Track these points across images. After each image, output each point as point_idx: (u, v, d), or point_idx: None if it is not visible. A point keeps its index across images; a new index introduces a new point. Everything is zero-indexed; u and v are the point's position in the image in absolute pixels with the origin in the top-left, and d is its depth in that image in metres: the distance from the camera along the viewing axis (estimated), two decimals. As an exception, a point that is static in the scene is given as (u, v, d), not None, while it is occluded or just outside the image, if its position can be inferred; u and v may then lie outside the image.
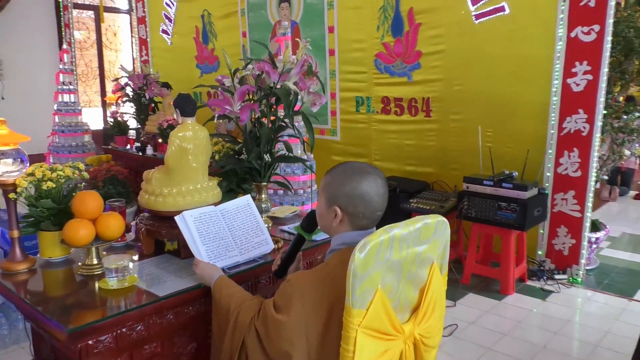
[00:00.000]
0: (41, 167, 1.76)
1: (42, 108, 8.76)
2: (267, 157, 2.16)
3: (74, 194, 1.82)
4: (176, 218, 1.79)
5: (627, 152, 4.16)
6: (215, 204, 1.97)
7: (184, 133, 1.90)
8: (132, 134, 4.78)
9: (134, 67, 9.84)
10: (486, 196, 3.73)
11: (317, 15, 5.18)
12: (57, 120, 5.34)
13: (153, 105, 4.85)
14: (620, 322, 3.32)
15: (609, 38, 3.59)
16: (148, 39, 7.30)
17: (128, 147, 4.69)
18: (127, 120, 4.75)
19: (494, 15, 4.06)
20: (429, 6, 4.41)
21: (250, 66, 2.14)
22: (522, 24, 3.95)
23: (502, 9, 4.01)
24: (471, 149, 4.20)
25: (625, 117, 4.09)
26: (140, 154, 4.48)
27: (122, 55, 9.93)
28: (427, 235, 1.41)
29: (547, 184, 3.94)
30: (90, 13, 9.38)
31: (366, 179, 1.49)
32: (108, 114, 4.89)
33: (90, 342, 1.48)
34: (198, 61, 6.65)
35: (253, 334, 1.50)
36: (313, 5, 5.20)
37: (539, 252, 4.07)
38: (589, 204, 3.86)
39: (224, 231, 1.87)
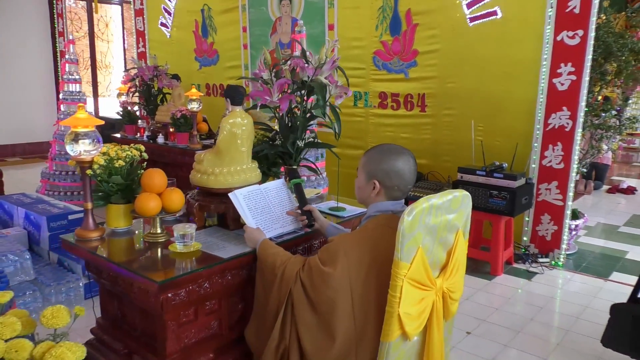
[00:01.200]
0: (113, 147, 2.00)
1: (35, 97, 8.86)
2: (300, 143, 2.44)
3: (139, 172, 2.07)
4: (230, 195, 2.05)
5: (604, 147, 4.55)
6: (258, 184, 2.24)
7: (234, 120, 2.16)
8: (140, 122, 4.97)
9: (124, 58, 9.96)
10: (479, 185, 4.07)
11: (318, 13, 5.45)
12: (62, 109, 5.48)
13: (162, 96, 5.06)
14: (598, 299, 3.70)
15: (591, 42, 3.94)
16: (145, 31, 7.45)
17: (137, 135, 4.89)
18: (137, 110, 4.94)
19: (487, 19, 4.39)
20: (426, 8, 4.72)
21: (289, 62, 2.41)
22: (513, 27, 4.28)
23: (494, 13, 4.35)
24: (463, 142, 4.54)
25: (603, 114, 4.47)
26: (151, 142, 4.69)
27: (114, 46, 10.03)
28: (456, 206, 1.71)
29: (532, 175, 4.29)
30: (83, 4, 9.45)
31: (401, 158, 1.79)
32: (118, 103, 5.06)
33: (169, 294, 1.74)
34: (197, 54, 6.85)
35: (299, 284, 1.77)
36: (314, 3, 5.46)
37: (524, 238, 4.43)
38: (570, 194, 4.22)
39: (268, 207, 2.14)
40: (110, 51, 9.96)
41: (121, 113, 4.97)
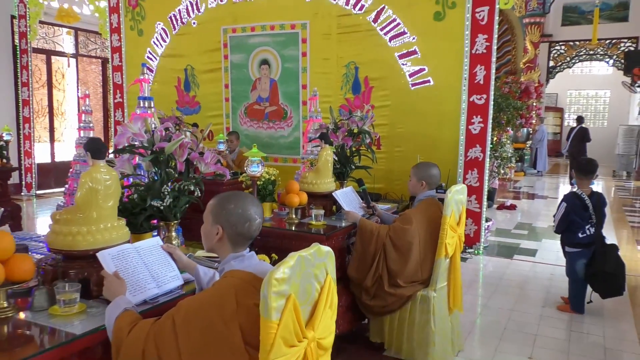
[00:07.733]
0: (269, 169, 3.46)
1: None
2: (353, 167, 4.05)
3: (277, 182, 3.53)
4: (334, 194, 3.59)
5: (502, 172, 6.65)
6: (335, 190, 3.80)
7: (327, 151, 3.71)
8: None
9: (78, 105, 10.77)
10: (428, 198, 5.89)
11: (293, 75, 7.09)
12: (77, 152, 6.49)
13: (179, 139, 6.33)
14: (509, 270, 5.64)
15: (491, 102, 6.02)
16: (124, 84, 8.55)
17: (162, 171, 6.07)
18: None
19: (423, 85, 6.32)
20: (379, 76, 6.57)
21: (345, 118, 4.03)
22: (441, 91, 6.24)
23: (428, 81, 6.30)
24: (408, 170, 6.34)
25: (500, 149, 6.58)
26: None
27: (68, 95, 10.79)
28: (464, 192, 3.43)
29: (459, 192, 6.21)
30: (43, 57, 10.21)
31: (434, 168, 3.49)
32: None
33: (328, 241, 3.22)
34: (179, 105, 8.10)
35: (388, 239, 3.34)
36: (290, 68, 7.11)
37: (456, 236, 6.31)
38: (484, 204, 6.20)
39: (350, 200, 3.71)
40: (66, 99, 10.70)
41: (147, 153, 6.13)
